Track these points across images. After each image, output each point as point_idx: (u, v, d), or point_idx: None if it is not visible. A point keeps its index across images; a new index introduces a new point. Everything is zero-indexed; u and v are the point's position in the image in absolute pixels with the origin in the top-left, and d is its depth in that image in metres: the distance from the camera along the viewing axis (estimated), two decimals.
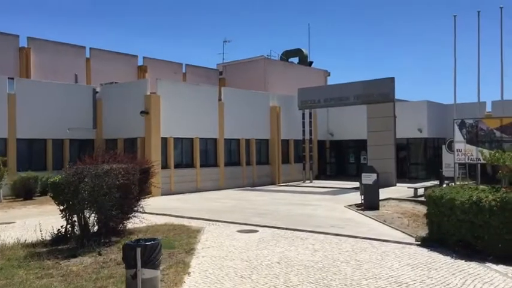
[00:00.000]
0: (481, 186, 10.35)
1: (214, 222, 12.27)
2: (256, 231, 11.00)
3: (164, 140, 20.01)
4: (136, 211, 10.22)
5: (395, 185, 21.52)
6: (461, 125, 19.99)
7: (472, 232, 8.23)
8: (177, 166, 20.52)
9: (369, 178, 15.15)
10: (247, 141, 23.84)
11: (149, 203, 16.31)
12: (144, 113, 19.31)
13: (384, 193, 17.61)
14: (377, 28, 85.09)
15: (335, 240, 9.70)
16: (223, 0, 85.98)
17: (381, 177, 22.03)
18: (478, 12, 20.21)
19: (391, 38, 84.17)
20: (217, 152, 22.33)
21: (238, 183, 22.95)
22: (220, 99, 22.48)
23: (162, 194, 19.37)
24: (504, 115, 19.82)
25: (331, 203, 16.19)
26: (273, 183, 24.53)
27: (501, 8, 19.66)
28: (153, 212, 14.20)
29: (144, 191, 10.61)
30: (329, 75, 37.19)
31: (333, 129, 28.59)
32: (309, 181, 25.22)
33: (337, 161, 29.13)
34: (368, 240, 9.63)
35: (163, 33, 79.58)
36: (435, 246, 8.91)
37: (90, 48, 27.33)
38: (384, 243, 9.41)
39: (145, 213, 14.13)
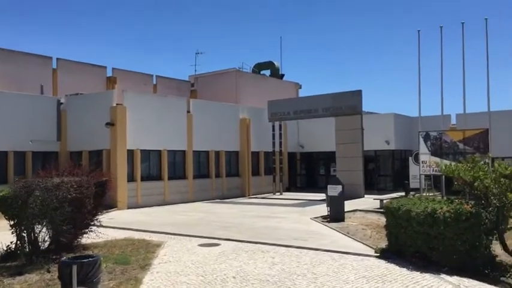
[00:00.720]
0: (438, 198, 10.52)
1: (176, 236, 12.02)
2: (218, 244, 10.82)
3: (131, 152, 19.64)
4: (92, 225, 9.88)
5: (363, 197, 21.70)
6: (426, 137, 20.41)
7: (427, 243, 8.30)
8: (144, 179, 20.15)
9: (334, 190, 15.19)
10: (217, 153, 23.68)
11: (113, 217, 16.15)
12: (110, 124, 18.93)
13: (351, 205, 17.72)
14: (346, 40, 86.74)
15: (296, 253, 9.61)
16: (196, 13, 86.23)
17: (349, 189, 22.34)
18: (441, 27, 20.78)
19: (360, 50, 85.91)
20: (186, 164, 22.07)
21: (207, 195, 22.70)
22: (189, 111, 22.29)
23: (128, 208, 19.01)
24: (467, 128, 20.34)
25: (297, 215, 16.15)
26: (243, 196, 24.36)
27: (462, 23, 20.26)
28: (116, 226, 13.89)
29: (101, 205, 10.28)
30: (300, 87, 37.48)
31: (303, 141, 28.72)
32: (279, 193, 25.17)
33: (308, 173, 29.23)
34: (328, 253, 9.60)
35: (136, 45, 78.98)
36: (393, 257, 8.94)
37: (57, 59, 26.75)
38: (344, 255, 9.39)
39: (107, 227, 13.79)
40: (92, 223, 9.81)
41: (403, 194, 20.53)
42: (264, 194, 25.09)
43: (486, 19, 19.88)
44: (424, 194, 18.06)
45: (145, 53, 78.62)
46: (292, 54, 78.12)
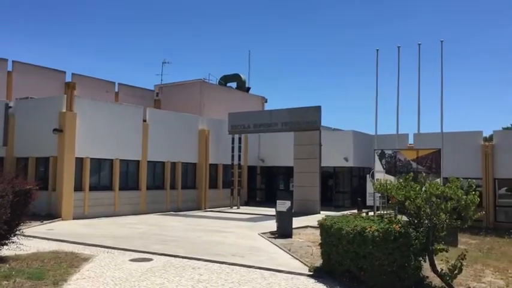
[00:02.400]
0: (373, 216, 10.38)
1: (111, 250, 11.45)
2: (150, 259, 10.33)
3: (80, 161, 18.90)
4: (11, 236, 9.23)
5: (319, 213, 21.52)
6: (381, 156, 20.54)
7: (356, 263, 8.09)
8: (93, 188, 19.38)
9: (283, 205, 14.97)
10: (173, 164, 23.12)
11: (52, 228, 15.45)
12: (57, 130, 18.19)
13: (304, 221, 17.54)
14: (313, 58, 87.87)
15: (227, 270, 9.24)
16: (165, 23, 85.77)
17: (306, 205, 22.28)
18: (398, 47, 21.11)
19: (324, 68, 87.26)
20: (140, 175, 21.42)
21: (161, 208, 22.07)
22: (145, 120, 21.74)
23: (74, 218, 18.22)
24: (421, 147, 20.57)
25: (246, 230, 15.79)
26: (198, 209, 23.82)
27: (419, 44, 20.62)
28: (50, 238, 13.22)
29: (24, 214, 9.61)
30: (266, 101, 37.43)
31: (264, 155, 28.51)
32: (236, 207, 24.75)
33: (267, 187, 28.95)
34: (260, 271, 9.28)
35: (103, 53, 77.47)
36: (325, 277, 8.70)
37: (13, 61, 25.79)
38: (276, 273, 9.08)
39: (41, 238, 13.16)
40: (10, 235, 9.13)
41: (355, 211, 20.47)
42: (221, 207, 24.63)
43: (442, 41, 20.36)
44: (378, 212, 18.05)
45: (112, 61, 77.30)
46: (261, 68, 78.58)
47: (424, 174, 10.89)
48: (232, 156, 25.43)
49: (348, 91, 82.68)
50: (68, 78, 28.54)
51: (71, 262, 9.62)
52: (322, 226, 9.15)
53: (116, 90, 30.95)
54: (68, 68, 47.04)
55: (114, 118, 20.36)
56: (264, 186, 29.20)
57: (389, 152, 20.36)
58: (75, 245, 12.14)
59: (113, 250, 11.41)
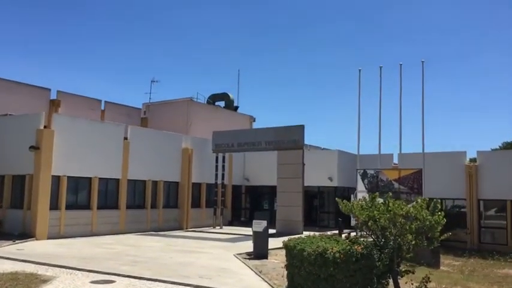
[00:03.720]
0: (346, 237, 10.12)
1: (75, 271, 11.08)
2: (113, 281, 9.99)
3: (56, 179, 18.56)
4: None
5: (302, 233, 21.12)
6: (364, 175, 20.41)
7: (317, 285, 7.81)
8: (69, 207, 18.97)
9: (259, 225, 14.68)
10: (155, 182, 22.79)
11: (22, 248, 15.04)
12: (34, 148, 17.91)
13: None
14: (301, 77, 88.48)
15: None
16: (154, 41, 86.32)
17: (289, 225, 21.95)
18: (380, 67, 21.21)
19: (313, 87, 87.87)
20: (120, 194, 21.05)
21: (141, 227, 21.65)
22: (126, 138, 21.52)
23: (49, 238, 17.78)
24: (404, 167, 20.46)
25: (222, 251, 15.44)
26: (180, 228, 23.42)
27: (400, 64, 20.74)
28: (16, 259, 12.81)
29: None
30: (254, 120, 37.37)
31: (249, 174, 28.27)
32: (219, 227, 24.36)
33: (252, 206, 28.58)
34: None
35: (92, 72, 77.33)
36: None
37: None
38: None
39: (7, 258, 12.75)
40: None
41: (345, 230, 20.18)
42: (204, 227, 24.23)
43: (423, 62, 20.48)
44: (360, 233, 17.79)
45: (102, 79, 77.23)
46: (250, 87, 78.96)
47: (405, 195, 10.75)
48: (216, 175, 25.16)
49: (340, 110, 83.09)
50: (53, 96, 28.40)
51: (28, 284, 9.27)
52: (286, 247, 8.89)
53: (102, 108, 30.73)
54: (56, 85, 46.83)
55: (94, 136, 20.13)
56: (249, 206, 28.87)
57: (372, 172, 20.25)
58: (40, 265, 11.76)
59: (77, 271, 11.04)
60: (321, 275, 7.69)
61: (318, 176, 24.78)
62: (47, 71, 69.84)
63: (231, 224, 26.38)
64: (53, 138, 18.36)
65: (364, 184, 20.20)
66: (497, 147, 45.29)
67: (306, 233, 20.79)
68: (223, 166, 25.53)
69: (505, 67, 71.08)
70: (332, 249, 7.70)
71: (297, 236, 9.26)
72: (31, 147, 17.93)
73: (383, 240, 8.20)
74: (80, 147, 19.42)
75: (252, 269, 11.84)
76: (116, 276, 10.50)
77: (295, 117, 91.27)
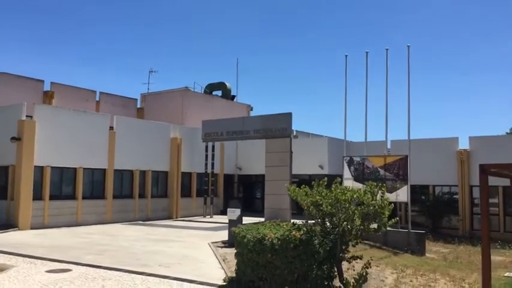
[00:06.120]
0: (299, 223, 9.86)
1: (36, 260, 11.07)
2: (69, 270, 9.94)
3: (39, 169, 18.62)
4: None
5: (290, 222, 20.94)
6: (350, 163, 20.02)
7: (256, 272, 7.61)
8: (54, 198, 19.04)
9: (233, 213, 14.53)
10: (142, 172, 22.76)
11: (1, 238, 15.08)
12: (15, 139, 17.97)
13: None
14: (297, 63, 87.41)
15: (136, 282, 8.82)
16: (152, 30, 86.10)
17: (277, 213, 21.65)
18: (367, 52, 20.69)
19: (310, 73, 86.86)
20: (106, 184, 21.06)
21: (129, 217, 21.67)
22: (112, 128, 21.47)
23: (32, 228, 17.89)
24: (395, 154, 20.02)
25: (198, 240, 15.35)
26: (170, 218, 23.40)
27: (387, 49, 20.17)
28: None
29: None
30: (252, 109, 37.08)
31: (241, 163, 28.08)
32: (209, 216, 24.29)
33: (245, 195, 28.44)
34: (175, 281, 8.90)
35: (89, 62, 77.38)
36: (235, 287, 8.21)
37: None
38: (188, 284, 8.64)
39: None
40: None
41: None
42: (193, 216, 24.17)
43: (409, 46, 19.89)
44: None
45: (100, 70, 77.47)
46: (248, 76, 78.38)
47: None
48: (206, 164, 25.02)
49: (338, 98, 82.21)
50: (47, 87, 28.47)
51: None
52: (234, 234, 8.69)
53: (97, 99, 30.76)
54: (50, 77, 46.77)
55: (79, 126, 20.11)
56: (241, 195, 28.71)
57: (358, 159, 19.85)
58: (5, 255, 11.78)
59: (37, 260, 11.02)
60: (260, 261, 7.49)
61: (309, 163, 24.47)
62: (42, 63, 70.16)
63: (222, 213, 26.22)
64: (34, 129, 18.38)
65: (350, 171, 19.81)
66: (505, 133, 44.33)
67: (293, 221, 20.76)
68: (212, 155, 25.36)
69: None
70: (270, 235, 7.48)
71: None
72: (12, 138, 17.99)
73: (331, 226, 7.95)
74: (64, 137, 19.43)
75: (217, 257, 11.69)
76: (74, 265, 10.45)
77: (292, 105, 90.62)
